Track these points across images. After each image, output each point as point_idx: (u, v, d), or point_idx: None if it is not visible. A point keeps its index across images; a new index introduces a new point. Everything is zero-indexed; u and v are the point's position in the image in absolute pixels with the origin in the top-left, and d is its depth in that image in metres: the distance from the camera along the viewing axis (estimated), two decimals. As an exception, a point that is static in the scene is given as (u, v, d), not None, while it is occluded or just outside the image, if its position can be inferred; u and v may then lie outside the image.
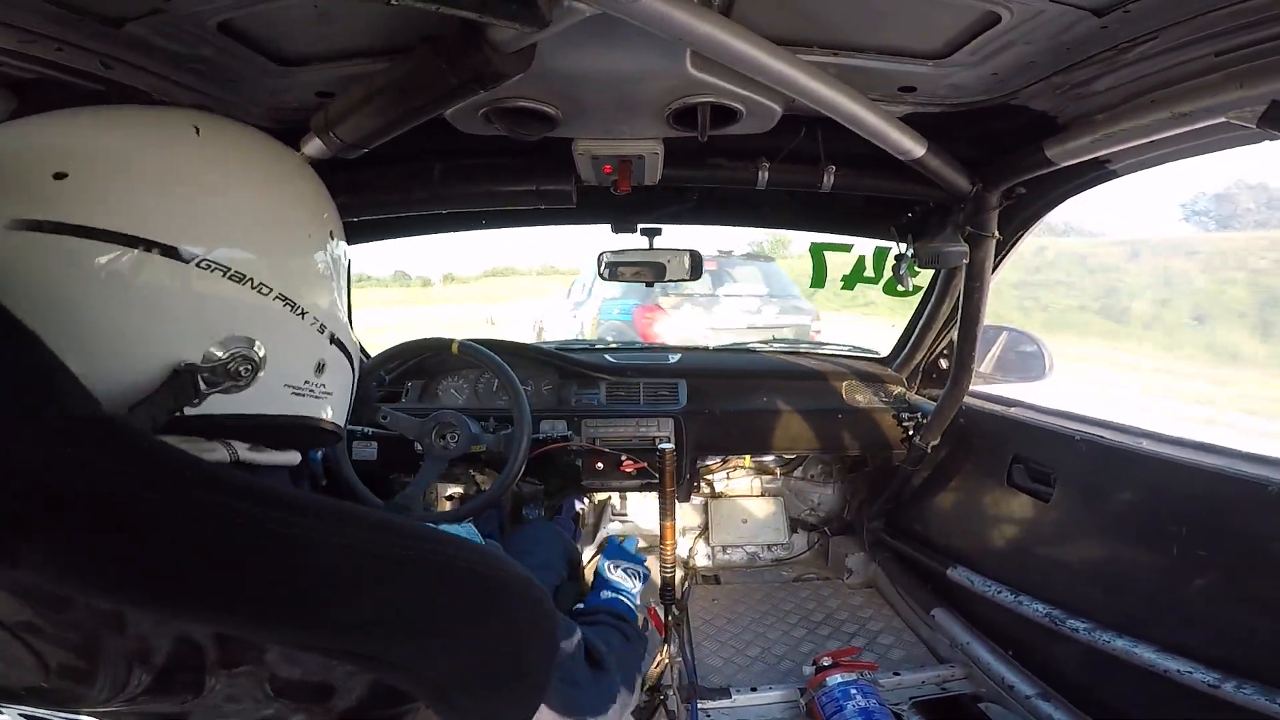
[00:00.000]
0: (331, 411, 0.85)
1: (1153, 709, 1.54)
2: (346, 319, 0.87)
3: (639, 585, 1.50)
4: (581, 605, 1.40)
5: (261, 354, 0.70)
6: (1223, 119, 1.10)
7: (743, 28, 1.03)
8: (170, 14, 1.04)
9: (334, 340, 0.82)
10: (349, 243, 2.33)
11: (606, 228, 2.31)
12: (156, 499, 0.48)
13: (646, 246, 2.21)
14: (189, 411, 0.66)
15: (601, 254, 2.24)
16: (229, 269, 0.67)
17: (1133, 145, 1.34)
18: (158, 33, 1.10)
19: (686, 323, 7.51)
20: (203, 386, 0.65)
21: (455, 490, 2.49)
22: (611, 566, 1.52)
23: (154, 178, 0.66)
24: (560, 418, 2.50)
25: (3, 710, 0.63)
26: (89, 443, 0.46)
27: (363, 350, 2.63)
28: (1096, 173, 1.65)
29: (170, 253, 0.64)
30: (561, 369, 2.67)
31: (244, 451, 0.72)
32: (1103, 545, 1.72)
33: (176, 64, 1.22)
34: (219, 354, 0.67)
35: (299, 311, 0.75)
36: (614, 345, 3.18)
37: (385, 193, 1.79)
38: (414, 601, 0.62)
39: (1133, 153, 1.47)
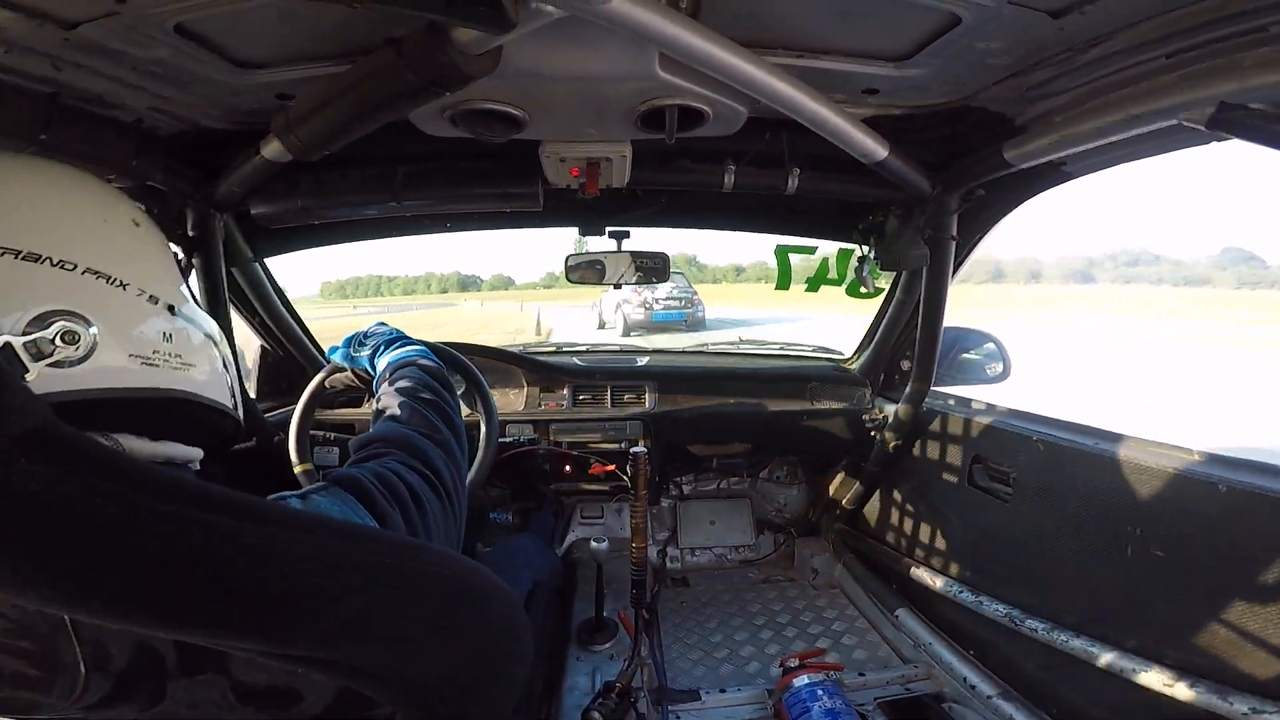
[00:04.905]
0: (202, 385, 0.85)
1: (1110, 708, 1.56)
2: (189, 296, 0.88)
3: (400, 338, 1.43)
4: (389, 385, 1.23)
5: (89, 327, 0.71)
6: (1174, 121, 1.13)
7: (710, 30, 1.04)
8: (125, 15, 1.02)
9: (175, 312, 0.83)
10: (315, 245, 2.31)
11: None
12: (114, 510, 0.47)
13: (615, 249, 2.22)
14: (39, 389, 0.67)
15: (567, 256, 2.26)
16: (19, 251, 0.69)
17: (1089, 147, 1.36)
18: (112, 35, 1.08)
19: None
20: (26, 360, 0.66)
21: None
22: (356, 344, 1.46)
23: None
24: (526, 422, 2.49)
25: None
26: (45, 454, 0.45)
27: (316, 346, 2.57)
28: (1053, 175, 1.68)
29: None
30: (527, 372, 2.66)
31: (132, 442, 0.73)
32: (1060, 545, 1.75)
33: (131, 66, 1.19)
34: (38, 329, 0.68)
35: (118, 284, 0.76)
36: (581, 348, 3.17)
37: (349, 194, 1.77)
38: (385, 610, 0.62)
39: (1088, 155, 1.50)
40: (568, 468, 2.56)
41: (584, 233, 2.25)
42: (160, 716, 0.63)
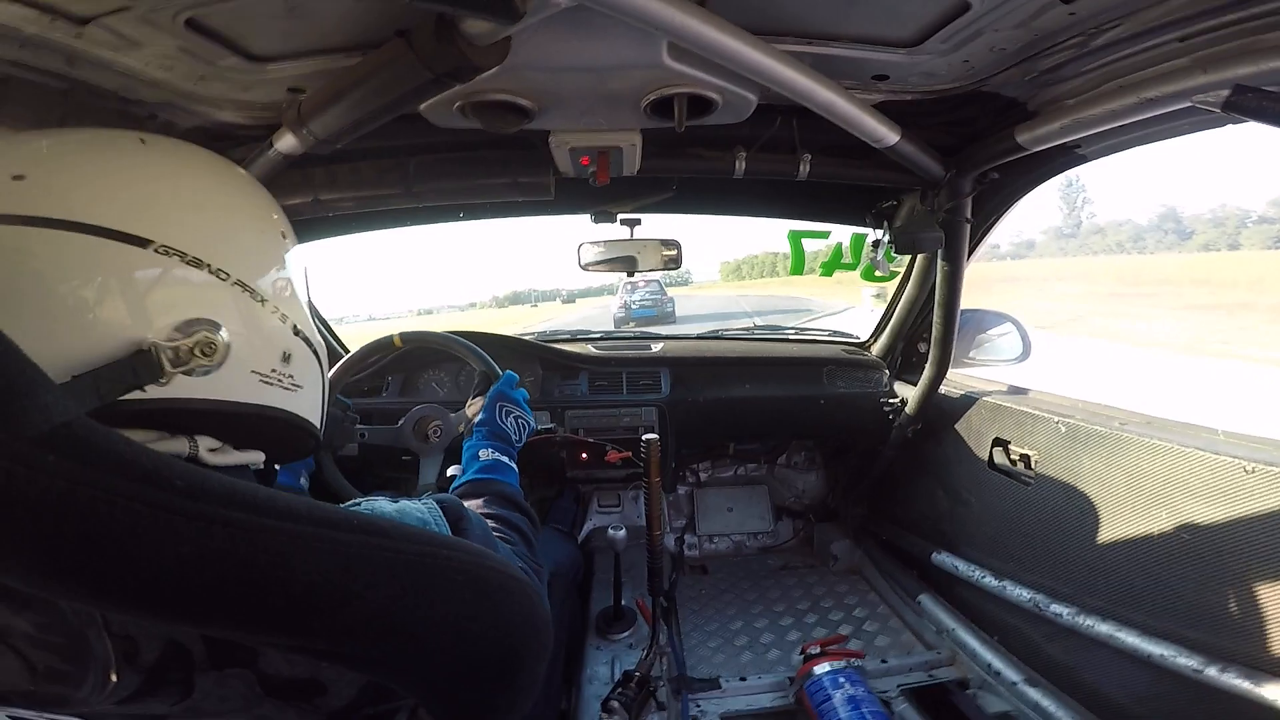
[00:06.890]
0: (305, 408, 0.86)
1: (1138, 693, 1.55)
2: (310, 318, 0.89)
3: (522, 441, 1.51)
4: (463, 476, 1.32)
5: (225, 338, 0.72)
6: (1189, 103, 1.11)
7: (718, 17, 1.03)
8: (136, 10, 1.03)
9: (298, 333, 0.84)
10: (329, 236, 2.33)
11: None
12: (136, 508, 0.47)
13: (627, 237, 2.21)
14: (157, 393, 0.67)
15: (580, 245, 2.25)
16: (186, 254, 0.69)
17: (1101, 130, 1.35)
18: (124, 30, 1.08)
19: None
20: (167, 365, 0.67)
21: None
22: (504, 412, 1.50)
23: (106, 176, 0.69)
24: (543, 409, 2.50)
25: None
26: (70, 453, 0.46)
27: (342, 345, 2.61)
28: (1067, 157, 1.66)
29: (126, 239, 0.66)
30: (544, 360, 2.67)
31: (205, 450, 0.73)
32: (1084, 528, 1.73)
33: (144, 61, 1.20)
34: (182, 336, 0.68)
35: (259, 299, 0.77)
36: (596, 335, 3.17)
37: (361, 187, 1.77)
38: (407, 605, 0.63)
39: (1102, 137, 1.48)
40: (584, 455, 2.57)
41: (596, 221, 2.24)
42: (189, 710, 0.64)
